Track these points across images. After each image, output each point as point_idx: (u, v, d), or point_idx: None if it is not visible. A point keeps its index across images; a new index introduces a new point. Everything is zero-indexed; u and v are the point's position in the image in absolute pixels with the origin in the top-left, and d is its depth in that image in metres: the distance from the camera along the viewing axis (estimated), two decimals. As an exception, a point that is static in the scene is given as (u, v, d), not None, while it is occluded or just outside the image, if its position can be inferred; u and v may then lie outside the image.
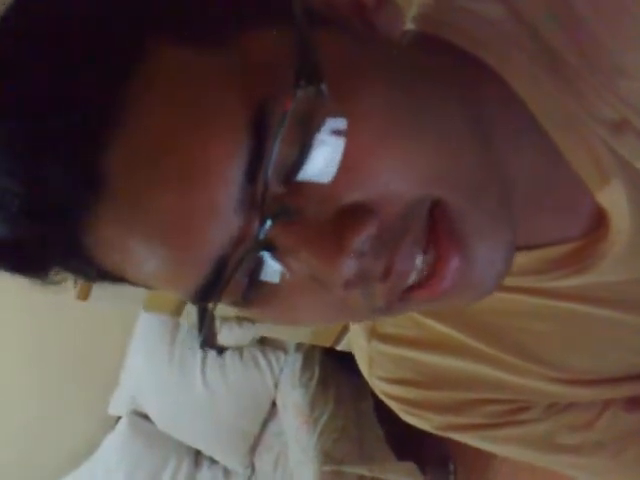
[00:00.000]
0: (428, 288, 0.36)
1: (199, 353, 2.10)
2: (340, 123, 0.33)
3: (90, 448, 2.41)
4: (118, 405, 2.41)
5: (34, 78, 0.32)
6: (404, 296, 0.37)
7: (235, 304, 0.38)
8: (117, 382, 2.40)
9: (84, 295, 1.61)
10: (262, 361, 2.08)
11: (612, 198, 0.43)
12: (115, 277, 0.37)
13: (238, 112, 0.32)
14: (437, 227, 0.36)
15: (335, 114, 0.32)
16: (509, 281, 0.41)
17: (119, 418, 2.41)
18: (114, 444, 2.31)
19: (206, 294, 0.36)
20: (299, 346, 2.06)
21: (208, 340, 0.38)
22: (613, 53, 0.42)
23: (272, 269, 0.36)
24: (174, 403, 2.21)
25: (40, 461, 2.45)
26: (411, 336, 0.55)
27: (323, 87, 0.32)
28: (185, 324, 2.12)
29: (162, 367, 2.19)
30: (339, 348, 1.86)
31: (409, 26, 0.47)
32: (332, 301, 0.37)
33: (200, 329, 0.38)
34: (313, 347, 2.04)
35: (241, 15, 0.35)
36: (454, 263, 0.36)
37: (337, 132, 0.32)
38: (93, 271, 0.37)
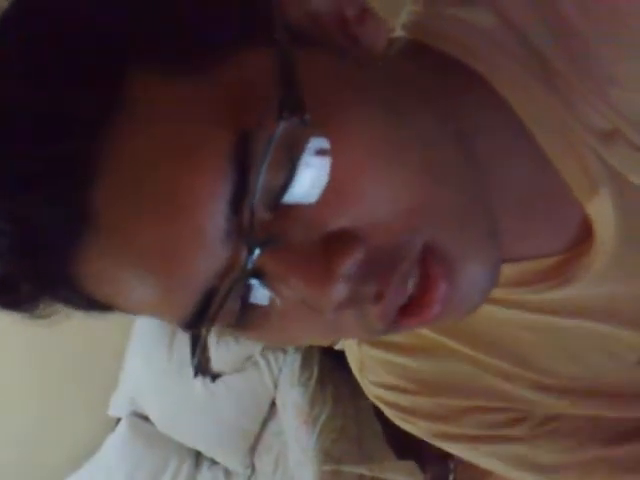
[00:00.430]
0: (419, 316, 0.37)
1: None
2: (323, 143, 0.32)
3: (91, 449, 2.40)
4: (118, 406, 2.41)
5: (18, 113, 0.32)
6: (396, 320, 0.37)
7: (229, 327, 0.38)
8: (117, 383, 2.39)
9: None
10: (261, 361, 2.08)
11: (599, 208, 0.42)
12: (105, 306, 0.37)
13: (221, 140, 0.32)
14: (427, 260, 0.36)
15: (318, 136, 0.32)
16: (492, 292, 0.41)
17: (119, 419, 2.40)
18: (114, 445, 2.30)
19: (197, 321, 0.36)
20: (298, 345, 2.06)
21: (201, 366, 0.38)
22: (605, 61, 0.42)
23: (261, 293, 0.36)
24: (174, 404, 2.20)
25: (41, 462, 2.44)
26: (401, 342, 0.56)
27: (307, 117, 0.32)
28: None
29: (161, 368, 2.18)
30: (337, 347, 1.85)
31: (399, 33, 0.46)
32: (326, 323, 0.37)
33: (193, 355, 0.38)
34: (311, 346, 2.04)
35: (222, 40, 0.34)
36: (441, 290, 0.36)
37: (321, 153, 0.32)
38: (83, 301, 0.37)
